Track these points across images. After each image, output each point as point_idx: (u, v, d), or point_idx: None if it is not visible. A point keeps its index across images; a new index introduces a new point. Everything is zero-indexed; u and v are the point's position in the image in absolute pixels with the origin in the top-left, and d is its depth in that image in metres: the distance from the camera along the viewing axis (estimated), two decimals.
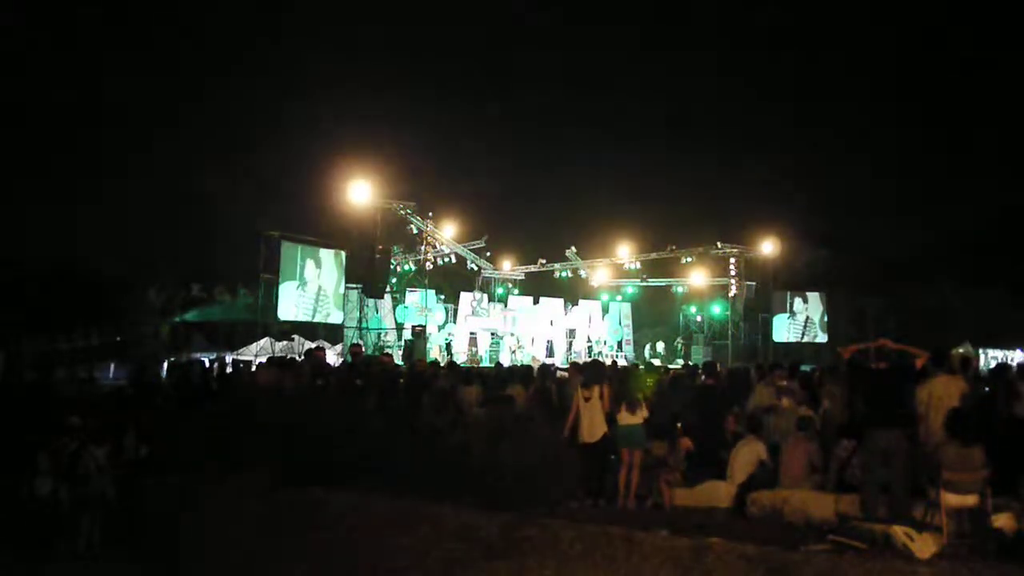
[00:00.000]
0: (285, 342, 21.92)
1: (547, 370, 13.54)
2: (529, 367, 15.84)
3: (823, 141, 53.38)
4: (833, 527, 6.57)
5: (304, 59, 53.32)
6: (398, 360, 19.50)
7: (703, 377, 10.69)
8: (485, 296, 29.43)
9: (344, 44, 53.67)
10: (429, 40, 56.38)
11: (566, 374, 10.85)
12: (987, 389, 8.49)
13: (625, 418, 7.94)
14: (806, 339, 31.61)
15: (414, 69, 54.71)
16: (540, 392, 10.70)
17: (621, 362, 25.14)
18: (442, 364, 14.44)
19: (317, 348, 16.13)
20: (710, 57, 55.60)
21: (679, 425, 8.76)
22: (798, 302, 31.89)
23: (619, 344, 31.16)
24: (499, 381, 11.36)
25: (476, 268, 29.97)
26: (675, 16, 55.03)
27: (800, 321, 31.86)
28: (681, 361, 26.91)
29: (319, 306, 23.46)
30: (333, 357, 20.13)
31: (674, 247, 31.07)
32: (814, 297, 32.03)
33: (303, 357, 12.50)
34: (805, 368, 12.38)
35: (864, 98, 53.74)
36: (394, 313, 26.45)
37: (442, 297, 28.40)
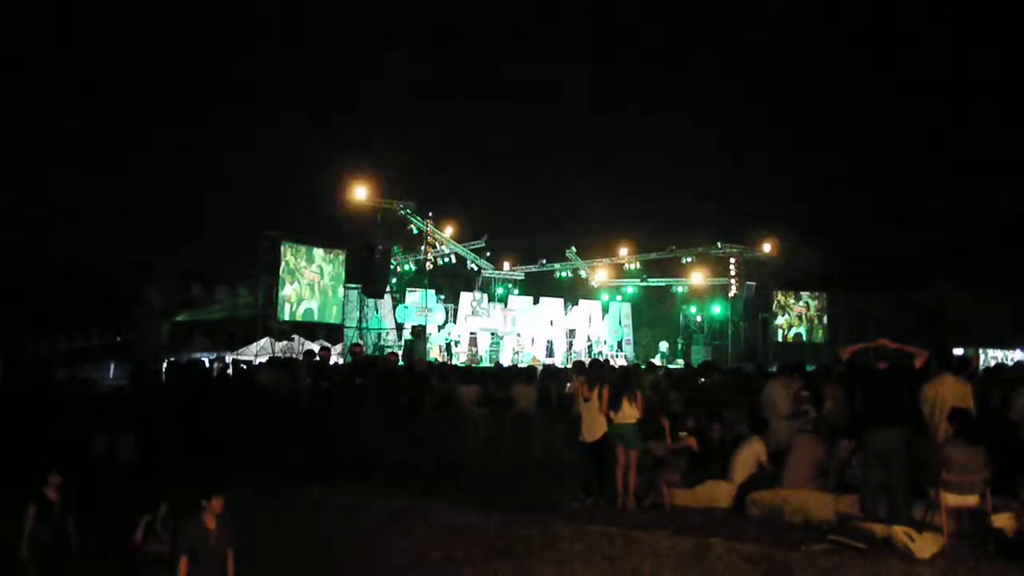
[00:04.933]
0: (285, 342, 21.92)
1: (550, 371, 13.56)
2: (533, 367, 15.85)
3: (823, 141, 53.40)
4: (833, 527, 6.56)
5: (304, 59, 53.35)
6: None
7: (702, 378, 10.70)
8: (485, 296, 29.42)
9: (344, 44, 53.66)
10: (430, 39, 56.38)
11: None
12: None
13: (619, 417, 7.93)
14: (806, 339, 31.60)
15: (415, 69, 54.74)
16: (541, 392, 10.72)
17: (620, 362, 25.15)
18: (441, 365, 14.44)
19: (322, 349, 16.12)
20: (711, 57, 55.63)
21: (689, 424, 8.76)
22: (799, 305, 31.89)
23: (619, 344, 31.15)
24: (501, 381, 11.38)
25: (476, 268, 29.97)
26: (674, 16, 55.04)
27: (800, 321, 31.87)
28: (682, 361, 26.92)
29: (319, 306, 23.48)
30: (333, 357, 20.13)
31: (674, 247, 31.09)
32: (814, 297, 32.04)
33: (303, 357, 12.48)
34: (810, 368, 12.38)
35: (864, 97, 53.73)
36: (394, 313, 26.44)
37: (442, 297, 28.38)
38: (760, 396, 8.80)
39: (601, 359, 23.95)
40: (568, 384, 10.74)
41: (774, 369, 11.20)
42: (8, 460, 8.80)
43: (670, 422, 8.85)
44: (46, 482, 6.70)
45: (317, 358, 12.26)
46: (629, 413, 7.92)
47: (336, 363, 17.32)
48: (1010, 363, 22.14)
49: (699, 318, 33.04)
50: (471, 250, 29.37)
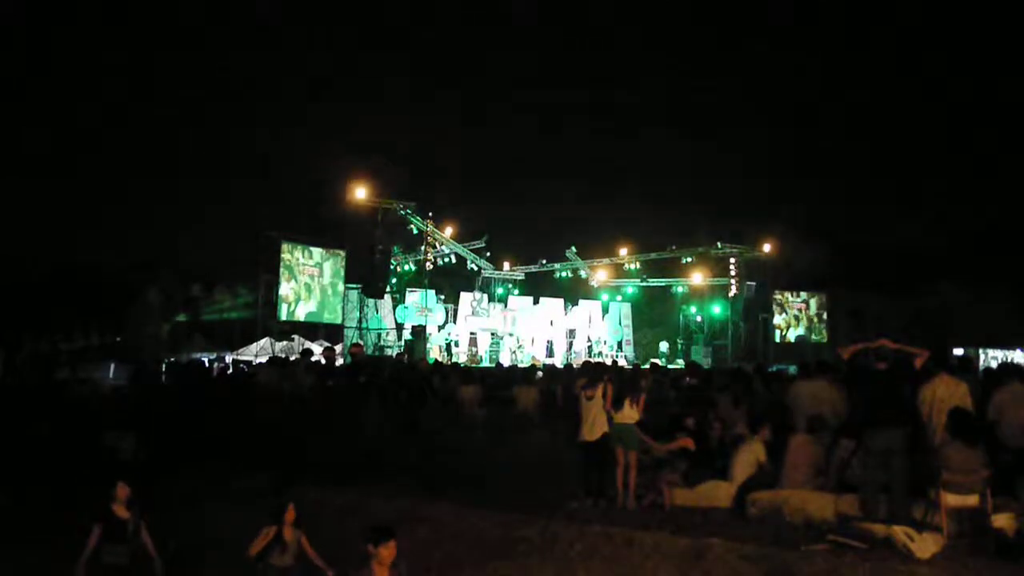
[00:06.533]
0: (285, 342, 21.91)
1: (552, 371, 13.57)
2: (534, 368, 15.86)
3: (823, 140, 53.39)
4: (833, 527, 6.57)
5: (304, 59, 53.32)
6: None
7: (688, 378, 10.71)
8: (485, 296, 29.44)
9: (344, 44, 53.64)
10: (430, 40, 56.39)
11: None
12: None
13: (619, 417, 7.94)
14: (806, 339, 31.59)
15: (415, 69, 54.73)
16: (544, 394, 10.74)
17: (621, 362, 25.16)
18: (443, 365, 14.46)
19: (327, 349, 16.14)
20: (710, 55, 55.61)
21: (686, 424, 8.75)
22: (798, 302, 31.91)
23: (619, 344, 31.17)
24: (502, 381, 11.39)
25: (476, 268, 29.98)
26: (674, 15, 55.03)
27: (800, 321, 31.87)
28: (682, 361, 26.94)
29: (319, 306, 23.48)
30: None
31: (674, 247, 31.10)
32: (814, 297, 32.04)
33: (300, 356, 12.50)
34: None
35: (865, 97, 53.72)
36: (394, 313, 26.46)
37: (442, 297, 28.40)
38: (795, 396, 8.63)
39: (603, 360, 24.06)
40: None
41: (781, 369, 11.17)
42: (13, 461, 8.82)
43: (669, 422, 8.85)
44: (112, 496, 5.76)
45: (317, 358, 12.27)
46: (628, 414, 7.93)
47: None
48: (1013, 363, 22.12)
49: (699, 318, 33.07)
50: (471, 250, 29.38)
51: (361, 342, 20.08)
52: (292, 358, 13.32)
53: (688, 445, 8.42)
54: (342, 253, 24.11)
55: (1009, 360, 24.71)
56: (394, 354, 20.96)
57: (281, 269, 22.19)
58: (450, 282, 29.69)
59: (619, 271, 32.32)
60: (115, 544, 5.64)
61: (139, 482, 5.99)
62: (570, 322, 30.90)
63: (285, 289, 22.30)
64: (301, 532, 5.75)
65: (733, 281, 30.80)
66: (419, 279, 27.53)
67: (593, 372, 8.63)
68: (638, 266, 31.34)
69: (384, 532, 4.96)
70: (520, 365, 21.71)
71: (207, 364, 17.78)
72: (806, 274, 32.41)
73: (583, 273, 32.39)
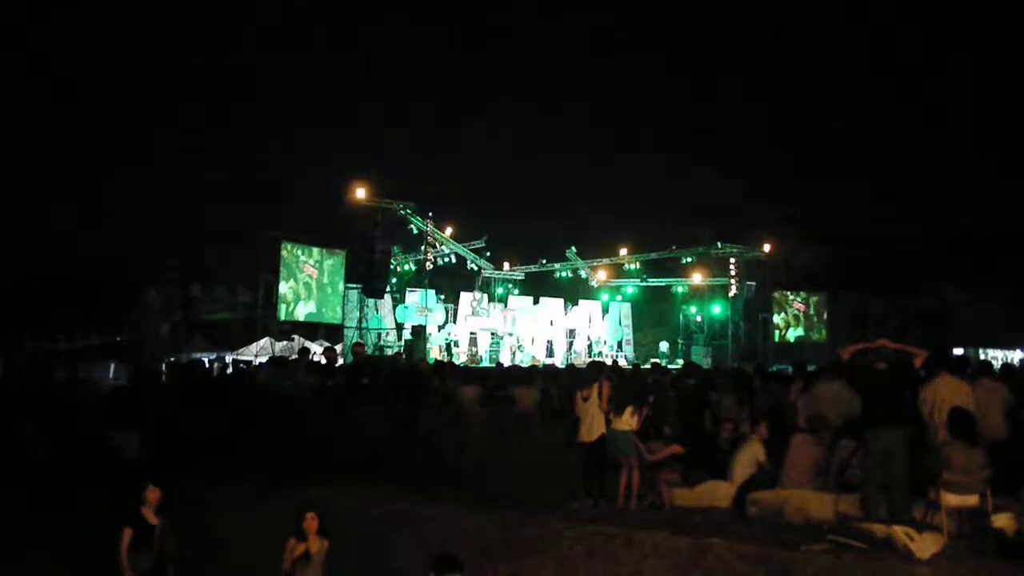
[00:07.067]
0: (285, 342, 21.92)
1: (552, 371, 13.57)
2: (535, 368, 15.85)
3: (824, 140, 53.40)
4: (833, 527, 6.56)
5: (304, 59, 53.36)
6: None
7: (688, 379, 10.68)
8: (485, 296, 29.43)
9: (344, 44, 53.67)
10: (430, 40, 56.41)
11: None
12: None
13: (617, 423, 7.92)
14: (806, 339, 31.56)
15: (414, 69, 54.75)
16: (544, 394, 10.73)
17: (621, 362, 25.15)
18: (443, 365, 14.44)
19: (328, 349, 16.15)
20: (710, 55, 55.62)
21: (666, 432, 8.71)
22: (798, 302, 31.88)
23: (619, 344, 31.17)
24: (502, 381, 11.37)
25: (476, 268, 29.97)
26: (674, 15, 55.05)
27: (800, 321, 31.85)
28: (682, 361, 26.94)
29: (319, 306, 23.48)
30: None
31: (674, 247, 31.11)
32: (814, 297, 32.02)
33: (298, 356, 12.50)
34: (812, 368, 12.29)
35: (866, 98, 53.73)
36: (394, 313, 26.45)
37: (442, 297, 28.40)
38: (817, 398, 8.55)
39: (601, 359, 24.04)
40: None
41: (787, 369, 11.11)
42: (13, 460, 8.82)
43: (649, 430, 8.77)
44: (142, 500, 5.61)
45: (316, 357, 12.27)
46: (627, 422, 7.91)
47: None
48: (1016, 363, 22.12)
49: (699, 318, 33.06)
50: (471, 250, 29.38)
51: (362, 341, 20.09)
52: (292, 358, 13.32)
53: (677, 451, 8.38)
54: (342, 253, 24.11)
55: (1008, 360, 24.74)
56: (393, 354, 20.95)
57: (281, 269, 22.20)
58: (450, 282, 29.68)
59: (619, 271, 32.33)
60: (142, 550, 5.53)
61: (144, 482, 5.97)
62: (570, 322, 30.90)
63: (285, 289, 22.29)
64: (325, 541, 5.67)
65: (733, 281, 30.79)
66: (419, 279, 27.53)
67: (590, 372, 8.62)
68: (638, 266, 31.36)
69: (452, 566, 4.65)
70: (520, 365, 21.70)
71: (207, 364, 17.77)
72: (806, 274, 32.40)
73: (583, 273, 32.39)
